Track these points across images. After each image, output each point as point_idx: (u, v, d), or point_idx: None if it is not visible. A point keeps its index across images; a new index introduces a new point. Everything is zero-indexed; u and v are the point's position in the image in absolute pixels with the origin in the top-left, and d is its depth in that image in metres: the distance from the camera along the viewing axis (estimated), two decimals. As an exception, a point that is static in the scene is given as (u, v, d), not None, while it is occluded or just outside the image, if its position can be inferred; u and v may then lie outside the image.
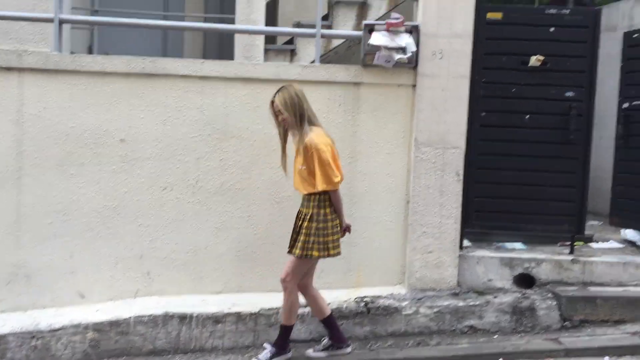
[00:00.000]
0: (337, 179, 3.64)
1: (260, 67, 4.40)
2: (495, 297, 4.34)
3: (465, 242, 4.76)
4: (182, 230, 4.40)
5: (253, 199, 4.42)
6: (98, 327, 4.07)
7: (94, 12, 7.16)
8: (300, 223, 3.74)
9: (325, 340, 3.94)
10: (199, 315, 4.15)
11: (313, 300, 3.90)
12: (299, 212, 3.79)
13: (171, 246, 4.40)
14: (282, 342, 3.85)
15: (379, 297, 4.29)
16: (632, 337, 4.05)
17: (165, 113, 4.36)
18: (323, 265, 4.42)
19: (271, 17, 7.11)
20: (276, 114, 3.72)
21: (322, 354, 3.90)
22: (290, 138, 3.80)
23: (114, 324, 4.09)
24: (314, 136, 3.62)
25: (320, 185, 3.62)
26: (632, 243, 5.50)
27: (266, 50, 5.87)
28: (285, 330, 3.84)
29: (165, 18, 7.19)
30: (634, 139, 5.32)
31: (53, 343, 3.99)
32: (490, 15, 4.60)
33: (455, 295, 4.35)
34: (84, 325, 4.06)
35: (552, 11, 4.63)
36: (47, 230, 4.31)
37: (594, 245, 5.36)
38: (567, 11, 4.64)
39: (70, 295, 4.33)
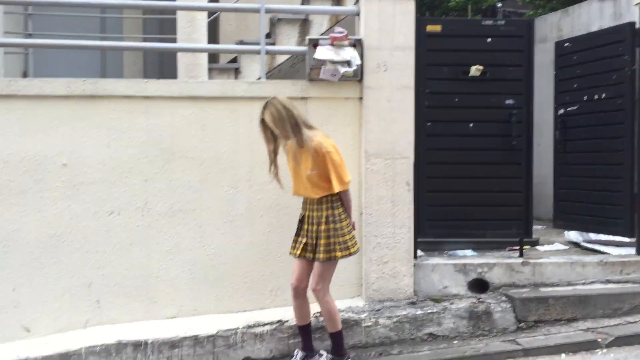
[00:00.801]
0: (348, 179, 3.73)
1: (206, 85, 4.35)
2: (451, 303, 4.39)
3: (418, 252, 4.81)
4: (132, 255, 4.26)
5: (204, 219, 4.33)
6: (47, 362, 3.87)
7: (28, 36, 6.93)
8: (314, 227, 3.72)
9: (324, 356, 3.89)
10: (154, 341, 4.00)
11: (304, 304, 3.86)
12: (307, 217, 3.77)
13: (121, 272, 4.25)
14: (339, 348, 3.83)
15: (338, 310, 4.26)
16: (585, 334, 4.17)
17: (109, 135, 4.23)
18: (279, 283, 4.39)
19: (212, 36, 7.06)
20: (269, 130, 3.68)
21: None
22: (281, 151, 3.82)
23: (64, 356, 3.89)
24: (321, 139, 3.67)
25: (337, 187, 3.67)
26: (575, 244, 5.70)
27: (210, 70, 5.81)
28: (336, 337, 3.82)
29: (102, 40, 7.04)
30: (571, 143, 5.55)
31: (-1, 381, 3.77)
32: (430, 28, 4.72)
33: (412, 304, 4.37)
34: (32, 359, 3.86)
35: (488, 22, 4.80)
36: (-13, 263, 4.10)
37: (540, 248, 5.52)
38: (503, 22, 4.82)
39: (15, 329, 4.11)
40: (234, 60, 6.30)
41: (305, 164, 3.68)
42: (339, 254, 3.72)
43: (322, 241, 3.69)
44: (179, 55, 5.47)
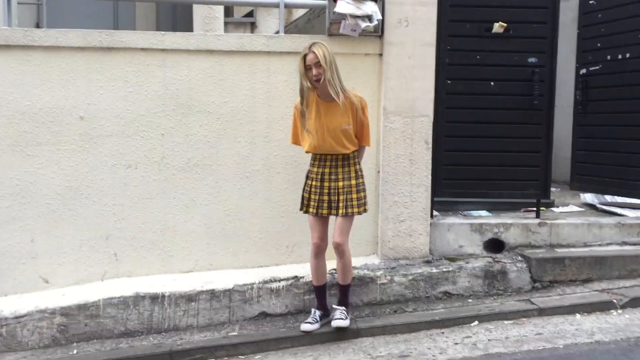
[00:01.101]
0: None
1: (224, 39, 4.26)
2: (467, 262, 4.39)
3: (434, 212, 4.79)
4: (148, 209, 4.27)
5: (221, 174, 4.32)
6: (65, 312, 3.93)
7: (41, -13, 6.82)
8: (341, 184, 3.72)
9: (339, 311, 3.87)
10: (172, 294, 4.05)
11: (323, 262, 3.90)
12: (329, 174, 3.73)
13: (138, 226, 4.27)
14: (346, 300, 3.93)
15: (353, 268, 4.27)
16: (600, 295, 4.18)
17: (125, 88, 4.19)
18: (295, 239, 4.41)
19: (227, -10, 6.93)
20: (312, 67, 3.56)
21: (345, 322, 3.80)
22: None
23: (82, 307, 3.95)
24: (359, 93, 3.73)
25: (369, 142, 3.83)
26: (591, 206, 5.67)
27: (225, 24, 5.71)
28: (347, 289, 3.92)
29: (115, -7, 6.92)
30: (592, 104, 5.46)
31: (19, 330, 3.84)
32: (453, -18, 4.59)
33: (428, 262, 4.38)
34: (51, 310, 3.92)
35: (514, -23, 4.65)
36: (5, 214, 4.12)
37: (555, 209, 5.49)
38: (528, -23, 4.67)
39: (34, 280, 4.17)
40: (249, 14, 6.18)
41: (342, 117, 3.65)
42: (367, 207, 3.83)
43: (354, 195, 3.73)
44: (195, 8, 5.37)
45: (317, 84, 3.60)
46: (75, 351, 3.81)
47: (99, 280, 4.26)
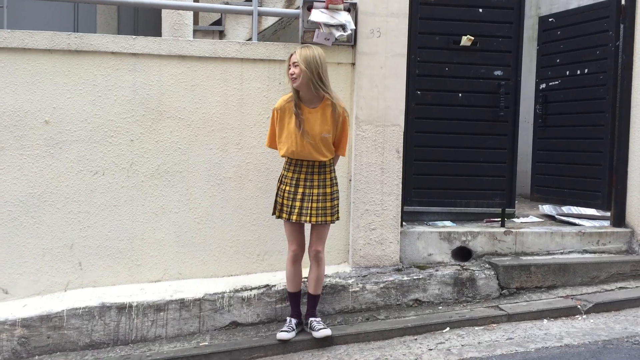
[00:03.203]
0: None
1: (196, 44, 4.22)
2: (436, 270, 4.44)
3: (402, 221, 4.84)
4: (116, 217, 4.16)
5: (192, 181, 4.25)
6: (27, 323, 3.77)
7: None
8: (316, 191, 3.71)
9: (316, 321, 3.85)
10: (139, 304, 3.94)
11: (300, 270, 3.88)
12: (304, 180, 3.71)
13: (104, 234, 4.15)
14: (315, 310, 3.90)
15: (324, 276, 4.26)
16: (565, 300, 4.30)
17: (94, 92, 4.09)
18: (267, 247, 4.37)
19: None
20: (290, 66, 3.60)
21: (329, 331, 3.78)
22: None
23: (45, 318, 3.80)
24: (343, 104, 3.75)
25: (345, 152, 3.87)
26: (550, 217, 5.85)
27: (193, 31, 5.65)
28: (318, 299, 3.90)
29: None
30: (551, 117, 5.64)
31: (-22, 342, 3.66)
32: (423, -4, 4.68)
33: (398, 270, 4.41)
34: (11, 321, 3.76)
35: (481, -7, 4.78)
36: (-36, 221, 3.94)
37: (516, 220, 5.64)
38: (495, -7, 4.81)
39: (-7, 291, 3.99)
40: (217, 23, 6.13)
41: (324, 125, 3.66)
42: (339, 215, 3.85)
43: (328, 204, 3.73)
44: (164, 14, 5.29)
45: (292, 82, 3.62)
46: (38, 364, 3.66)
47: (62, 290, 4.11)
